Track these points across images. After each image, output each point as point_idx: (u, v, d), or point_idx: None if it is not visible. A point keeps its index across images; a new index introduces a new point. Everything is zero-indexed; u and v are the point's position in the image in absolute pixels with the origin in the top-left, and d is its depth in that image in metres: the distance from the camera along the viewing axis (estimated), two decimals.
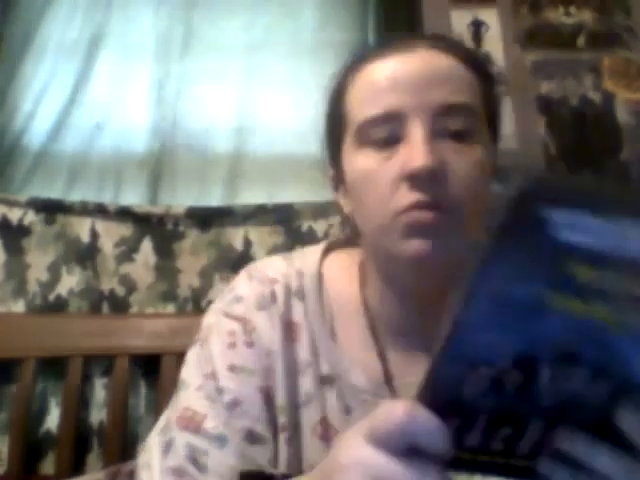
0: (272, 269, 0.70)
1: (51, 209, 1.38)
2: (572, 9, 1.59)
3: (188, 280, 1.36)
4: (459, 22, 1.58)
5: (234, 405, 0.61)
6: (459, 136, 0.59)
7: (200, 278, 1.36)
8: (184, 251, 1.37)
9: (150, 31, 1.57)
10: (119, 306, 1.34)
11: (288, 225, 1.38)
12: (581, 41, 1.58)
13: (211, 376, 0.63)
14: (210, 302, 1.32)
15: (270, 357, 0.64)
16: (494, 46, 1.57)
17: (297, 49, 1.56)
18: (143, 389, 1.30)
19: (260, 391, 0.63)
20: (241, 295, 0.68)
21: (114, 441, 1.21)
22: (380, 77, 0.61)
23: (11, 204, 1.37)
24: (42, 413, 1.28)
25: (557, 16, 1.59)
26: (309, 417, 0.63)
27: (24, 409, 1.21)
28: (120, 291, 1.35)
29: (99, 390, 1.29)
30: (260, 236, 1.38)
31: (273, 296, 0.67)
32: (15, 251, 1.35)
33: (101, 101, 1.52)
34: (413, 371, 0.51)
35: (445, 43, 0.64)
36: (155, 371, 1.25)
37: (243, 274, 0.71)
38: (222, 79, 1.53)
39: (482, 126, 0.62)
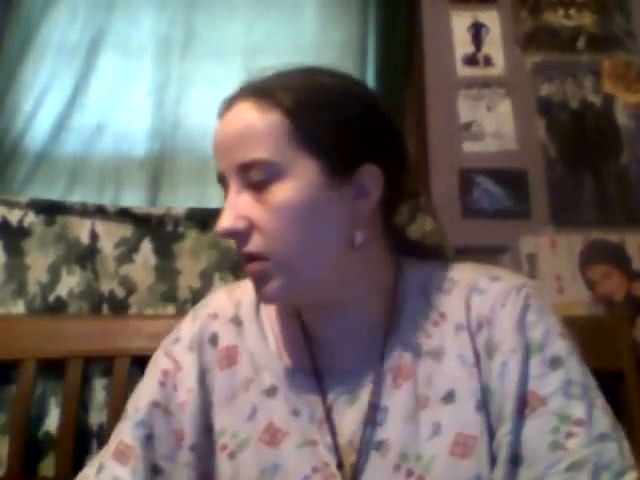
0: (212, 305, 0.78)
1: (51, 210, 1.38)
2: (572, 12, 1.60)
3: (188, 281, 1.36)
4: (459, 24, 1.59)
5: (148, 439, 0.69)
6: (258, 187, 0.63)
7: (200, 279, 1.36)
8: (184, 252, 1.37)
9: (151, 33, 1.58)
10: (119, 307, 1.34)
11: None
12: (581, 44, 1.58)
13: (136, 409, 0.72)
14: None
15: (191, 394, 0.71)
16: (494, 48, 1.57)
17: (298, 51, 1.56)
18: None
19: (174, 433, 0.70)
20: (180, 337, 0.76)
21: None
22: (213, 140, 0.68)
23: (11, 205, 1.37)
24: (42, 414, 1.28)
25: (557, 19, 1.60)
26: (256, 428, 0.68)
27: (24, 410, 1.21)
28: (120, 292, 1.35)
29: (99, 391, 1.29)
30: None
31: (213, 337, 0.74)
32: (15, 252, 1.35)
33: (101, 103, 1.52)
34: (334, 363, 0.68)
35: (255, 90, 0.66)
36: None
37: (191, 313, 0.79)
38: (222, 81, 1.53)
39: (292, 167, 0.63)
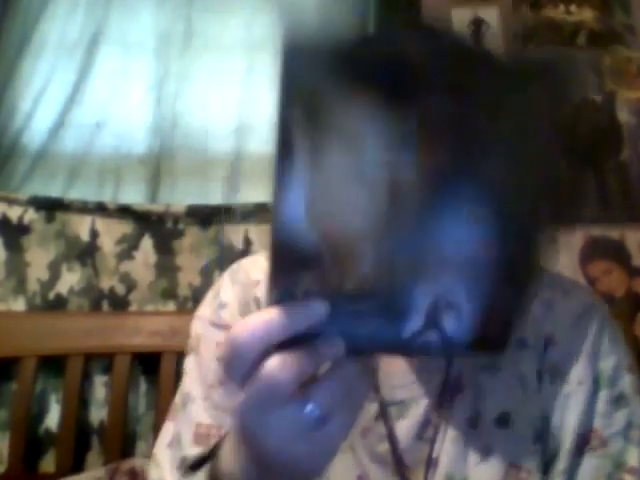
0: (255, 270, 0.69)
1: (51, 207, 1.38)
2: (572, 7, 1.59)
3: (188, 278, 1.36)
4: (459, 20, 1.58)
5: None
6: None
7: (200, 276, 1.36)
8: (184, 249, 1.37)
9: (150, 29, 1.57)
10: (119, 304, 1.34)
11: None
12: (581, 39, 1.57)
13: (212, 386, 0.64)
14: None
15: None
16: (494, 44, 1.57)
17: None
18: (143, 387, 1.30)
19: None
20: (225, 302, 0.68)
21: (114, 439, 1.21)
22: None
23: (11, 202, 1.37)
24: (42, 411, 1.28)
25: (557, 14, 1.59)
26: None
27: (24, 407, 1.21)
28: (120, 289, 1.35)
29: (99, 388, 1.29)
30: (260, 234, 1.38)
31: (257, 302, 0.67)
32: (15, 249, 1.35)
33: (101, 100, 1.52)
34: (391, 372, 0.61)
35: None
36: (155, 369, 1.25)
37: (227, 278, 0.71)
38: (222, 77, 1.53)
39: None
